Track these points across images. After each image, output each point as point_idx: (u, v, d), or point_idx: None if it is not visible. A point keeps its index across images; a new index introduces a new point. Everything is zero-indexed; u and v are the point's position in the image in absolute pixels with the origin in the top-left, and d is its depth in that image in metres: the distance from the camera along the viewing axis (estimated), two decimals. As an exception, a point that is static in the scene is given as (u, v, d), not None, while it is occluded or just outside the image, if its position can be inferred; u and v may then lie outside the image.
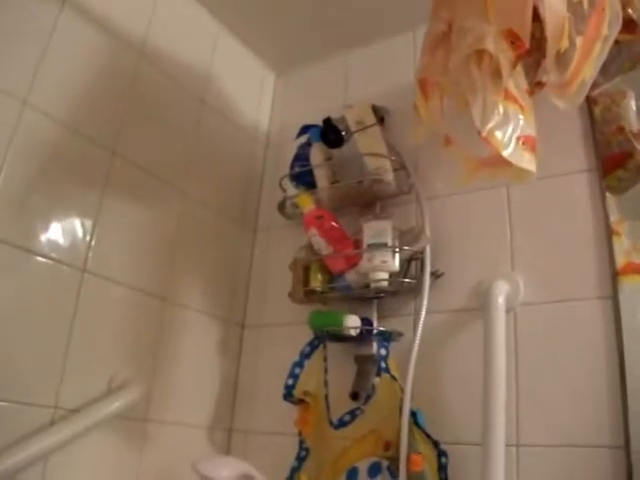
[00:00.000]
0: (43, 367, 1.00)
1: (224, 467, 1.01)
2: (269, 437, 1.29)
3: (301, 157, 1.39)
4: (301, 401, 1.17)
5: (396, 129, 1.34)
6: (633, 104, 1.07)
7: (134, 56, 1.28)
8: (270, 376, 1.32)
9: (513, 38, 0.78)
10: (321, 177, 1.33)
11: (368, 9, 1.45)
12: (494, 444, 0.90)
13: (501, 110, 0.81)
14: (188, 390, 1.28)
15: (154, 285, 1.24)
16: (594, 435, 0.94)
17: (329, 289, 1.25)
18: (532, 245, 1.12)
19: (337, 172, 1.35)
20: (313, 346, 1.22)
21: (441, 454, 1.02)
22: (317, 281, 1.25)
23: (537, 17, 0.79)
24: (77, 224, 1.10)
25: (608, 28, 0.87)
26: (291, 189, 1.37)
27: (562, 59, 0.83)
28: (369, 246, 1.18)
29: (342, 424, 1.13)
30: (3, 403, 0.93)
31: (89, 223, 1.12)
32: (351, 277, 1.21)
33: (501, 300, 1.04)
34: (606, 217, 1.05)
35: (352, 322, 1.15)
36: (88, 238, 1.11)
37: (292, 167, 1.40)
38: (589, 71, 0.88)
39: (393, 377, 1.11)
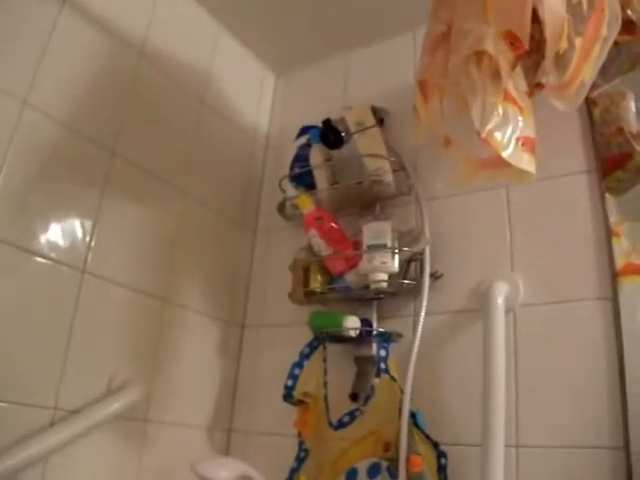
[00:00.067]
0: (43, 368, 1.00)
1: (223, 468, 1.01)
2: (268, 438, 1.29)
3: (301, 158, 1.38)
4: (301, 402, 1.17)
5: (396, 130, 1.34)
6: (632, 105, 1.07)
7: (134, 56, 1.28)
8: (270, 377, 1.32)
9: (512, 39, 0.78)
10: (321, 178, 1.33)
11: (368, 9, 1.45)
12: (494, 445, 0.90)
13: (500, 111, 0.81)
14: (188, 391, 1.28)
15: (154, 286, 1.24)
16: (594, 436, 0.94)
17: (329, 290, 1.25)
18: (532, 246, 1.12)
19: (337, 173, 1.35)
20: (313, 347, 1.21)
21: (440, 455, 1.02)
22: (317, 282, 1.25)
23: (536, 18, 0.79)
24: (77, 224, 1.10)
25: (607, 29, 0.88)
26: (291, 190, 1.37)
27: (561, 60, 0.83)
28: (369, 247, 1.17)
29: (341, 425, 1.13)
30: (3, 404, 0.93)
31: (89, 223, 1.12)
32: (351, 278, 1.21)
33: (501, 301, 1.04)
34: (605, 218, 1.05)
35: (352, 323, 1.15)
36: (88, 238, 1.11)
37: (292, 168, 1.40)
38: (588, 72, 0.88)
39: (393, 378, 1.11)
